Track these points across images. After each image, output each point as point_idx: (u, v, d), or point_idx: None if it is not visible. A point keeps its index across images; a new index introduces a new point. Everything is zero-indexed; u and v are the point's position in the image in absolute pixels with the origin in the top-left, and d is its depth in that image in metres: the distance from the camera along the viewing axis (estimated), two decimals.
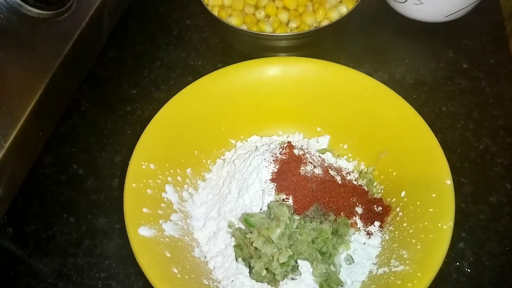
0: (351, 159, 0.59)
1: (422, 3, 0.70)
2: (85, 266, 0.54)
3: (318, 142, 0.60)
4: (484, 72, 0.70)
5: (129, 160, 0.51)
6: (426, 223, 0.46)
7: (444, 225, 0.45)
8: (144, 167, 0.51)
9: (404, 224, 0.48)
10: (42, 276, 0.54)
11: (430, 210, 0.47)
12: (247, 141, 0.61)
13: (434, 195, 0.47)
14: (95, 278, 0.53)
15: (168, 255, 0.46)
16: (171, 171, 0.54)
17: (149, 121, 0.54)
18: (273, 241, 0.45)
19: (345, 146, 0.59)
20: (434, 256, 0.43)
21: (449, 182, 0.47)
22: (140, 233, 0.46)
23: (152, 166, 0.52)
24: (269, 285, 0.47)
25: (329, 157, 0.58)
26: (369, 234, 0.51)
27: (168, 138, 0.55)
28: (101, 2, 0.61)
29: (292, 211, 0.47)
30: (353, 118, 0.58)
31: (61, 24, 0.55)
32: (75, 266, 0.54)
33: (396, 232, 0.49)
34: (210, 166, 0.59)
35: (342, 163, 0.58)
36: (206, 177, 0.58)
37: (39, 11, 0.51)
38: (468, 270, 0.52)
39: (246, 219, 0.47)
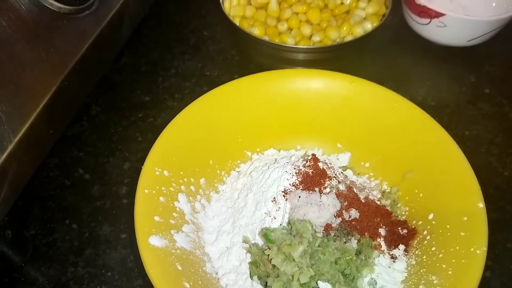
0: (372, 178, 0.56)
1: (445, 26, 0.69)
2: (86, 277, 0.50)
3: (338, 159, 0.58)
4: (507, 98, 0.68)
5: (138, 167, 0.49)
6: (457, 248, 0.43)
7: (477, 250, 0.42)
8: (157, 173, 0.48)
9: (433, 249, 0.45)
10: (38, 285, 0.50)
11: (462, 234, 0.44)
12: (263, 154, 0.59)
13: (465, 218, 0.44)
14: None
15: (180, 268, 0.42)
16: (185, 179, 0.51)
17: (161, 129, 0.52)
18: (293, 259, 0.42)
19: (367, 165, 0.57)
20: (467, 282, 0.40)
21: (481, 205, 0.45)
22: (151, 243, 0.42)
23: (166, 172, 0.49)
24: None
25: (349, 175, 0.56)
26: (393, 258, 0.47)
27: (183, 145, 0.52)
28: (123, 3, 0.59)
29: (315, 228, 0.44)
30: (376, 136, 0.56)
31: (81, 21, 0.53)
32: (75, 276, 0.51)
33: (424, 257, 0.46)
34: (224, 177, 0.56)
35: (363, 182, 0.56)
36: (219, 189, 0.55)
37: (61, 5, 0.49)
38: None
39: (265, 233, 0.44)
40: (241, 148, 0.58)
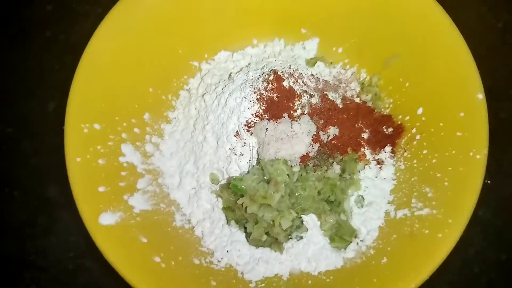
0: (348, 66, 0.47)
1: None
2: (48, 247, 0.45)
3: (304, 48, 0.47)
4: None
5: (65, 108, 0.38)
6: (453, 152, 0.37)
7: (477, 154, 0.36)
8: (86, 130, 0.38)
9: (425, 152, 0.40)
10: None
11: (458, 134, 0.38)
12: (214, 60, 0.48)
13: (462, 114, 0.38)
14: (64, 260, 0.45)
15: (144, 240, 0.37)
16: (124, 124, 0.41)
17: (79, 48, 0.40)
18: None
19: (340, 50, 0.47)
20: (466, 196, 0.36)
21: (480, 96, 0.37)
22: (103, 223, 0.36)
23: (96, 126, 0.39)
24: (272, 249, 0.39)
25: (321, 69, 0.46)
26: (379, 163, 0.42)
27: (110, 81, 0.41)
28: None
29: (290, 164, 0.37)
30: (349, 13, 0.44)
31: None
32: (36, 249, 0.45)
33: (414, 161, 0.40)
34: (173, 102, 0.46)
35: (338, 73, 0.46)
36: (170, 117, 0.46)
37: None
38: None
39: (235, 185, 0.37)
40: (185, 59, 0.47)
